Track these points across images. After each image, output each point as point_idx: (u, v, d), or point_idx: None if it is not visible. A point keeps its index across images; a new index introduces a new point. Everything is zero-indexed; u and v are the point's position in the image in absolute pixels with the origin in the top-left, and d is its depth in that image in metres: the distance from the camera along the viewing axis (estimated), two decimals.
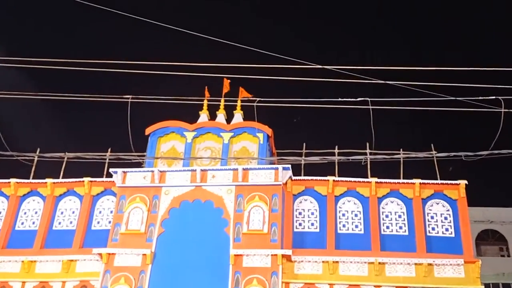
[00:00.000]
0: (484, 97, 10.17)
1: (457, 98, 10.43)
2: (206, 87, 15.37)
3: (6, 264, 14.12)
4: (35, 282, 13.94)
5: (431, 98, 10.79)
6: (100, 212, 14.94)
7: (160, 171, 14.41)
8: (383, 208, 14.14)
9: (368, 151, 14.08)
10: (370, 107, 11.04)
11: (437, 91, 10.74)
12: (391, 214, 14.04)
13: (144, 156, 14.80)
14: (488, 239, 22.88)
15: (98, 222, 14.82)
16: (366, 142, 14.18)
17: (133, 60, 10.50)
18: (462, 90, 10.35)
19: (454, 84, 10.19)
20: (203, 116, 15.81)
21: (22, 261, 14.11)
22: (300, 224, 14.17)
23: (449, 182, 14.01)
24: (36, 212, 15.06)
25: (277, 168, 14.05)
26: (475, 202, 17.25)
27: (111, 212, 14.76)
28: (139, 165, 15.00)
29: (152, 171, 14.44)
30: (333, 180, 14.32)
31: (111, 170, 14.59)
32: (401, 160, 13.99)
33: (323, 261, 13.37)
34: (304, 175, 14.54)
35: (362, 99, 10.78)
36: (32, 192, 15.30)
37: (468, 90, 10.32)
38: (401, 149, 13.80)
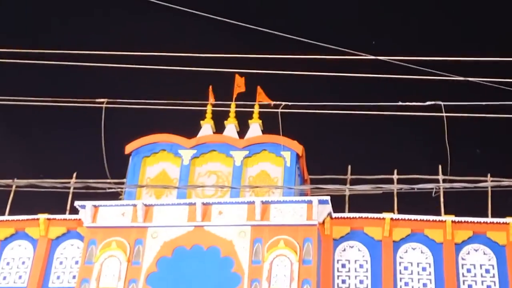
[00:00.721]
0: None
1: None
2: (210, 86, 15.23)
3: None
4: None
5: None
6: (61, 262, 14.77)
7: (146, 205, 14.16)
8: (463, 259, 13.84)
9: (441, 177, 14.00)
10: (444, 114, 10.89)
11: None
12: (474, 268, 13.77)
13: (123, 184, 14.69)
14: None
15: (58, 277, 14.64)
16: (438, 164, 14.20)
17: (111, 50, 10.60)
18: None
19: None
20: (206, 127, 15.60)
21: None
22: (343, 282, 13.91)
23: None
24: None
25: (311, 202, 13.75)
26: None
27: (77, 262, 14.58)
28: (115, 196, 14.85)
29: (134, 205, 14.18)
30: (391, 219, 13.97)
31: (77, 203, 14.34)
32: (489, 190, 13.90)
33: None
34: (349, 211, 14.31)
35: (433, 102, 10.65)
36: None
37: None
38: (489, 175, 14.00)
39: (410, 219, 13.99)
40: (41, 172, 15.54)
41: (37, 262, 14.67)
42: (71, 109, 11.81)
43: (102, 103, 11.53)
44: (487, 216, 13.98)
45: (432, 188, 12.27)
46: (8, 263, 14.96)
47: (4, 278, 14.87)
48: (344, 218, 14.20)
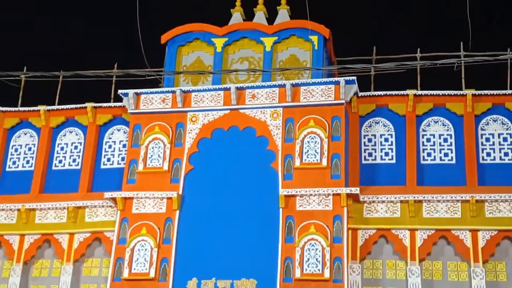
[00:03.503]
0: None
1: None
2: None
3: None
4: (37, 235, 14.66)
5: None
6: (110, 146, 15.35)
7: (184, 92, 14.63)
8: (482, 129, 14.03)
9: (462, 53, 13.99)
10: None
11: None
12: (492, 137, 13.95)
13: (161, 71, 15.05)
14: None
15: (109, 159, 15.26)
16: (460, 41, 14.27)
17: None
18: None
19: None
20: (236, 15, 15.82)
21: (19, 210, 14.65)
22: (370, 155, 14.26)
23: None
24: (29, 148, 15.57)
25: (338, 82, 14.00)
26: None
27: (124, 146, 15.18)
28: (155, 85, 15.27)
29: (173, 92, 14.63)
30: (414, 95, 14.06)
31: (120, 91, 14.79)
32: (509, 62, 13.96)
33: (401, 201, 13.44)
34: (375, 90, 14.47)
35: None
36: (23, 124, 15.74)
37: None
38: (508, 49, 13.93)
39: (433, 94, 14.00)
40: (80, 64, 15.36)
41: (89, 147, 15.14)
42: None
43: None
44: (506, 88, 13.96)
45: (454, 63, 11.56)
46: (62, 148, 15.37)
47: (60, 161, 15.29)
48: (369, 96, 14.29)
